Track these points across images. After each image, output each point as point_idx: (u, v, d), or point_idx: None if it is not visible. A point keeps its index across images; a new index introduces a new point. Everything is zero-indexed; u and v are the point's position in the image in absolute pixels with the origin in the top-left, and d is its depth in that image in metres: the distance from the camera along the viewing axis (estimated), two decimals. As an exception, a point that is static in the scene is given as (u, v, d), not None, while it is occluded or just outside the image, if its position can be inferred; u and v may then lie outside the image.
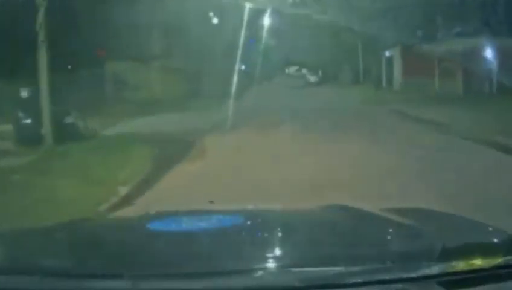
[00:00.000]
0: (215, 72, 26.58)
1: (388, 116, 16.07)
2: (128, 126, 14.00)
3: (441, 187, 5.78)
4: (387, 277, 1.16)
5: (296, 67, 63.27)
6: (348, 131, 11.82)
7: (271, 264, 1.30)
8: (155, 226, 1.71)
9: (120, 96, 21.92)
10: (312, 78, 45.15)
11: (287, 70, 66.77)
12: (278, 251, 1.48)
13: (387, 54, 30.26)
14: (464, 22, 20.47)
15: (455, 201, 4.71)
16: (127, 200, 5.85)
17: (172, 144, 10.27)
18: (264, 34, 29.84)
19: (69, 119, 11.56)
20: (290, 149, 9.18)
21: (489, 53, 20.01)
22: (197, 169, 7.89)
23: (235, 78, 22.36)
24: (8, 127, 11.60)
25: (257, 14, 25.23)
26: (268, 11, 23.90)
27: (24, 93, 11.87)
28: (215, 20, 26.23)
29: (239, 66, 25.51)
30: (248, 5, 18.33)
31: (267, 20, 28.25)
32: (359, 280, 1.15)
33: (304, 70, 54.62)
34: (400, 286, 1.15)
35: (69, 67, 20.29)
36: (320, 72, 45.24)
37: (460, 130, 10.91)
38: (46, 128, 9.56)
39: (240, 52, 23.55)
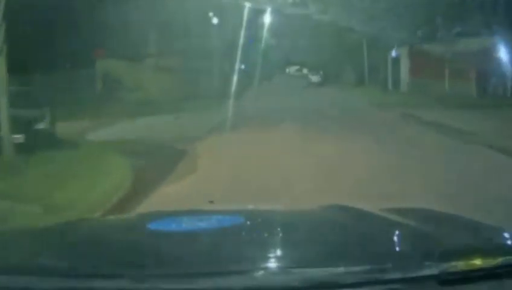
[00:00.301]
0: (212, 73, 25.84)
1: (402, 120, 14.38)
2: (112, 131, 12.82)
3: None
4: (387, 277, 1.16)
5: (296, 67, 63.14)
6: (361, 138, 10.35)
7: (271, 265, 1.31)
8: (155, 226, 1.71)
9: (106, 97, 20.66)
10: (314, 78, 43.62)
11: (287, 70, 66.70)
12: (278, 251, 1.49)
13: (393, 54, 29.16)
14: (476, 21, 19.00)
15: None
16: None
17: (160, 154, 9.03)
18: (264, 33, 29.40)
19: (41, 125, 9.84)
20: (293, 167, 7.56)
21: (503, 53, 18.82)
22: (183, 192, 6.29)
23: (233, 79, 21.91)
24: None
25: (257, 13, 24.97)
26: (268, 10, 23.63)
27: None
28: (214, 20, 25.83)
29: (237, 67, 25.03)
30: (248, 5, 18.13)
31: (267, 19, 27.83)
32: (359, 280, 1.15)
33: (305, 70, 54.13)
34: (399, 286, 1.15)
35: (49, 66, 18.40)
36: (322, 72, 43.73)
37: (488, 139, 9.51)
38: (5, 136, 7.81)
39: (239, 52, 23.12)
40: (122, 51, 20.98)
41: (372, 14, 20.29)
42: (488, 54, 18.91)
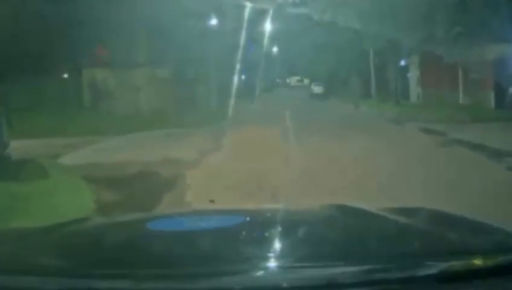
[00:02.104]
0: (209, 84, 24.80)
1: (429, 140, 12.01)
2: (91, 151, 11.19)
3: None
4: (387, 276, 1.16)
5: (297, 77, 62.84)
6: (380, 161, 8.82)
7: (271, 264, 1.31)
8: (155, 226, 1.72)
9: (93, 109, 19.09)
10: (316, 89, 41.75)
11: (288, 80, 66.50)
12: (278, 251, 1.49)
13: (402, 62, 27.31)
14: (493, 26, 16.80)
15: None
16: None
17: (140, 184, 7.53)
18: (265, 40, 28.66)
19: None
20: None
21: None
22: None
23: (232, 92, 21.14)
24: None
25: (256, 16, 24.44)
26: (268, 14, 23.32)
27: None
28: (211, 24, 25.04)
29: (236, 77, 24.19)
30: (247, 9, 17.80)
31: (267, 26, 27.04)
32: (359, 280, 1.15)
33: (306, 80, 53.54)
34: (399, 286, 1.15)
35: (25, 72, 17.28)
36: (323, 83, 42.09)
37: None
38: None
39: (237, 61, 22.46)
40: (111, 58, 19.93)
41: (383, 18, 18.76)
42: (504, 62, 17.50)
